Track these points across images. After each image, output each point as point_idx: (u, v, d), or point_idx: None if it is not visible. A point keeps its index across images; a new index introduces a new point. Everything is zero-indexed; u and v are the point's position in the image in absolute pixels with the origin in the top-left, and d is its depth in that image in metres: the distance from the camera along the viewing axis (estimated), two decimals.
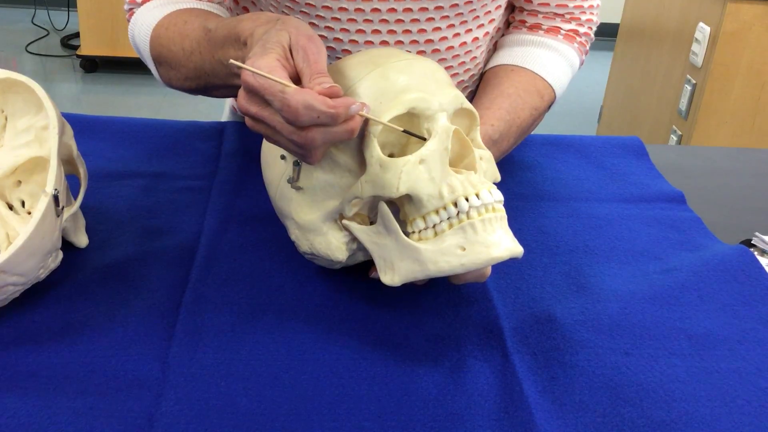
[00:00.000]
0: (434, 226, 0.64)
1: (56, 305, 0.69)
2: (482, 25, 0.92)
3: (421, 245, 0.64)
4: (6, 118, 0.72)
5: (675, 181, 0.99)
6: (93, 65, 3.79)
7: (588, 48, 0.97)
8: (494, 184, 0.70)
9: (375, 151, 0.64)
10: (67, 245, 0.75)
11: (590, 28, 0.96)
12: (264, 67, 0.60)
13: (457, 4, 0.86)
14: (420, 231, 0.65)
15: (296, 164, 0.68)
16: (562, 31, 0.94)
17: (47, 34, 4.18)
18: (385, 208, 0.65)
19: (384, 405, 0.61)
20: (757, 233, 0.86)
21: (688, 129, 2.59)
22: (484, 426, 0.60)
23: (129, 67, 3.79)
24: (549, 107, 0.93)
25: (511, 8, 0.99)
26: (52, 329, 0.67)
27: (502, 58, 0.94)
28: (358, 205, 0.67)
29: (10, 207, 0.71)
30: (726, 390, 0.64)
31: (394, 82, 0.65)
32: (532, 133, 1.15)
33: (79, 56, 3.74)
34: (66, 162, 0.73)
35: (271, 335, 0.68)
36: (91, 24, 3.62)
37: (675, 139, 2.68)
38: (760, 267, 0.79)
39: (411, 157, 0.64)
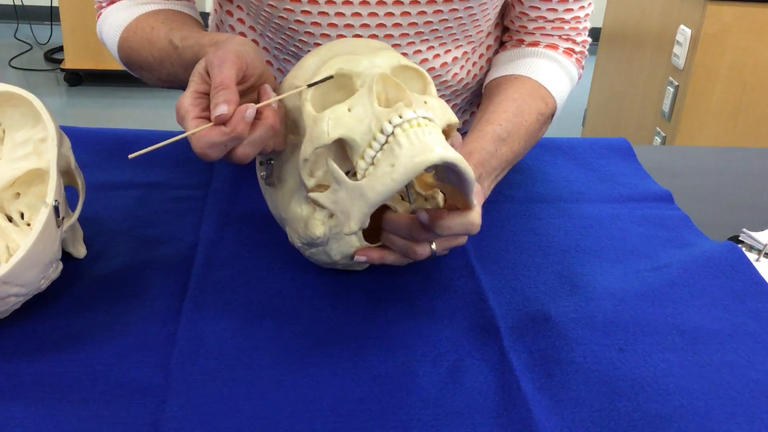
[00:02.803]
0: (372, 160, 0.65)
1: (57, 315, 0.70)
2: (460, 45, 0.93)
3: (363, 180, 0.66)
4: (3, 131, 0.73)
5: (662, 181, 1.01)
6: (77, 79, 3.78)
7: (584, 63, 0.99)
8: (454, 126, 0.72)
9: (306, 110, 0.68)
10: (65, 256, 0.76)
11: (584, 47, 0.98)
12: (180, 108, 0.65)
13: (435, 27, 0.87)
14: (365, 171, 0.66)
15: (264, 162, 0.73)
16: (560, 48, 0.95)
17: (30, 49, 4.17)
18: (330, 162, 0.68)
19: (386, 405, 0.62)
20: (744, 230, 0.88)
21: (671, 130, 2.61)
22: (484, 423, 0.61)
23: (114, 79, 3.79)
24: (552, 116, 0.94)
25: (504, 29, 1.01)
26: (54, 339, 0.67)
27: (504, 70, 0.95)
28: (309, 169, 0.69)
29: (10, 219, 0.72)
30: (719, 383, 0.66)
31: (330, 54, 0.71)
32: None
33: (63, 70, 3.73)
34: (64, 173, 0.73)
35: (271, 340, 0.69)
36: (74, 37, 3.61)
37: (659, 140, 2.71)
38: (749, 262, 0.80)
39: (338, 106, 0.67)
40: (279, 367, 0.66)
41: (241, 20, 0.96)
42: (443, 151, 0.63)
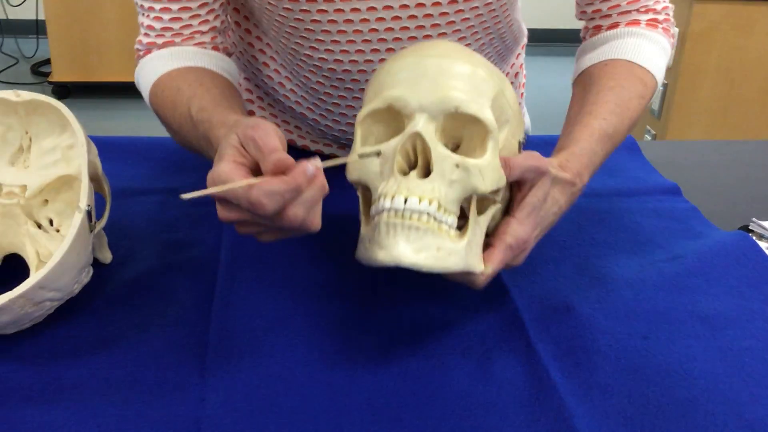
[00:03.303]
0: (374, 215, 0.67)
1: (90, 319, 0.71)
2: (469, 44, 0.93)
3: (362, 228, 0.69)
4: (30, 139, 0.74)
5: (667, 175, 1.03)
6: (65, 91, 3.78)
7: (672, 32, 0.93)
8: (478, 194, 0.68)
9: (355, 144, 0.69)
10: (92, 262, 0.77)
11: (668, 14, 0.93)
12: (222, 173, 0.60)
13: (458, 27, 0.88)
14: (373, 216, 0.68)
15: None
16: (642, 22, 0.90)
17: (17, 62, 4.16)
18: (359, 193, 0.71)
19: (420, 398, 0.64)
20: (754, 219, 0.90)
21: (661, 128, 2.65)
22: (517, 412, 0.63)
23: (102, 91, 3.78)
24: (653, 93, 0.90)
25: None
26: (90, 342, 0.68)
27: (590, 59, 0.90)
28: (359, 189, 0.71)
29: (39, 226, 0.73)
30: (741, 366, 0.68)
31: (392, 77, 0.69)
32: (530, 134, 1.19)
33: (50, 83, 3.72)
34: (92, 179, 0.74)
35: (301, 337, 0.70)
36: (61, 50, 3.61)
37: (649, 138, 2.74)
38: (761, 250, 0.82)
39: (369, 149, 0.68)
40: (312, 363, 0.67)
41: (248, 30, 0.97)
42: (401, 256, 0.63)
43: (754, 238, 0.86)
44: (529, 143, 1.09)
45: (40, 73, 4.03)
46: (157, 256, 0.80)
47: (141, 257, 0.80)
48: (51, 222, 0.73)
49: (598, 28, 0.93)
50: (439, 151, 0.66)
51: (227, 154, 0.62)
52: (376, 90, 0.70)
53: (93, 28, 3.57)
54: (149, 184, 0.94)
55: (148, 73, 0.87)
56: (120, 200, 0.90)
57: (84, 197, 0.66)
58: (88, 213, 0.67)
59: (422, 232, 0.64)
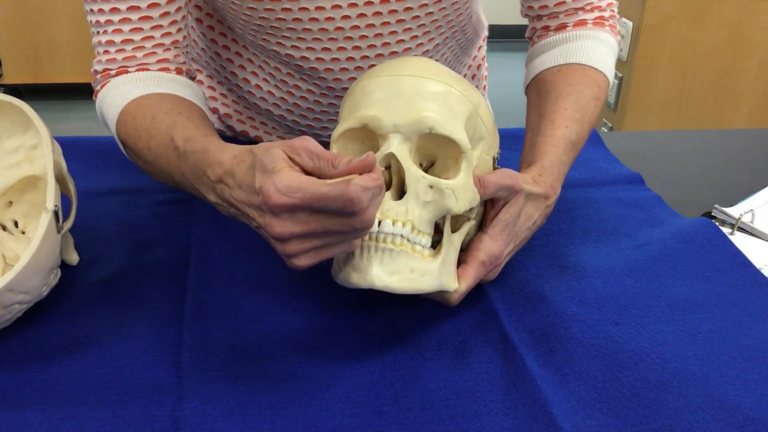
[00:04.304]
0: None
1: (60, 321, 0.70)
2: (433, 38, 0.93)
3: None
4: None
5: (630, 165, 1.05)
6: (17, 94, 3.71)
7: (619, 29, 0.95)
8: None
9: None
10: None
11: (613, 11, 0.94)
12: (295, 180, 0.57)
13: (416, 14, 0.88)
14: None
15: None
16: (588, 22, 0.92)
17: None
18: None
19: (398, 389, 0.64)
20: (716, 206, 0.92)
21: (617, 120, 2.69)
22: (495, 400, 0.63)
23: (54, 93, 3.72)
24: (607, 94, 0.90)
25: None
26: (60, 344, 0.67)
27: (542, 64, 0.92)
28: None
29: (3, 228, 0.71)
30: (711, 348, 0.69)
31: (367, 96, 0.69)
32: None
33: (2, 85, 3.65)
34: (57, 179, 0.73)
35: (277, 333, 0.70)
36: (13, 52, 3.54)
37: (605, 131, 2.78)
38: (724, 236, 0.84)
39: None
40: (289, 358, 0.67)
41: (210, 27, 0.96)
42: (372, 278, 0.64)
43: (717, 224, 0.88)
44: None
45: None
46: (126, 256, 0.79)
47: (109, 258, 0.79)
48: (16, 224, 0.72)
49: (545, 29, 0.94)
50: (413, 173, 0.66)
51: (281, 168, 0.58)
52: (351, 108, 0.70)
53: (44, 29, 3.50)
54: (115, 185, 0.92)
55: (113, 99, 0.81)
56: (86, 201, 0.88)
57: (51, 197, 0.65)
58: (56, 213, 0.65)
59: (396, 254, 0.65)
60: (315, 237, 0.60)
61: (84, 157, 0.97)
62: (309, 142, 0.61)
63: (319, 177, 0.60)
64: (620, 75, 2.62)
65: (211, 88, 1.05)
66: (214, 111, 1.06)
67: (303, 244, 0.60)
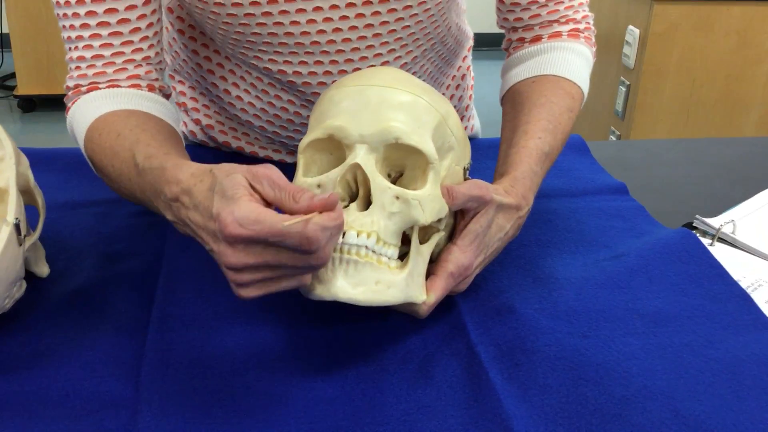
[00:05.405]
0: None
1: (23, 334, 0.69)
2: (410, 51, 0.93)
3: None
4: None
5: (616, 174, 1.03)
6: (31, 105, 3.75)
7: (594, 40, 0.94)
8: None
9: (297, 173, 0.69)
10: (28, 276, 0.76)
11: (588, 23, 0.94)
12: (253, 212, 0.57)
13: (393, 28, 0.88)
14: None
15: None
16: (563, 34, 0.91)
17: None
18: None
19: (358, 404, 0.63)
20: (698, 216, 0.91)
21: (625, 128, 2.67)
22: (455, 415, 0.62)
23: None
24: (581, 105, 0.90)
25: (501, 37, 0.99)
26: (21, 357, 0.67)
27: (517, 75, 0.92)
28: None
29: None
30: (680, 363, 0.68)
31: (334, 106, 0.68)
32: (480, 137, 1.19)
33: (16, 96, 3.69)
34: (23, 192, 0.73)
35: (240, 347, 0.69)
36: (26, 63, 3.58)
37: (614, 139, 2.76)
38: (704, 247, 0.83)
39: (310, 179, 0.67)
40: (250, 372, 0.66)
41: (192, 38, 0.96)
42: (336, 291, 0.63)
43: (698, 235, 0.86)
44: (478, 145, 1.09)
45: (5, 87, 3.99)
46: (97, 268, 0.79)
47: (79, 270, 0.79)
48: None
49: (521, 41, 0.94)
50: (379, 183, 0.66)
51: (240, 196, 0.58)
52: (318, 118, 0.70)
53: (57, 41, 3.54)
54: (90, 196, 0.92)
55: (82, 115, 0.81)
56: (60, 212, 0.88)
57: (12, 210, 0.65)
58: (17, 226, 0.65)
59: (361, 265, 0.64)
60: (267, 269, 0.59)
61: (63, 168, 0.98)
62: (272, 171, 0.60)
63: (280, 209, 0.59)
64: (628, 83, 2.60)
65: (193, 99, 1.05)
66: (197, 122, 1.06)
67: (254, 275, 0.60)
